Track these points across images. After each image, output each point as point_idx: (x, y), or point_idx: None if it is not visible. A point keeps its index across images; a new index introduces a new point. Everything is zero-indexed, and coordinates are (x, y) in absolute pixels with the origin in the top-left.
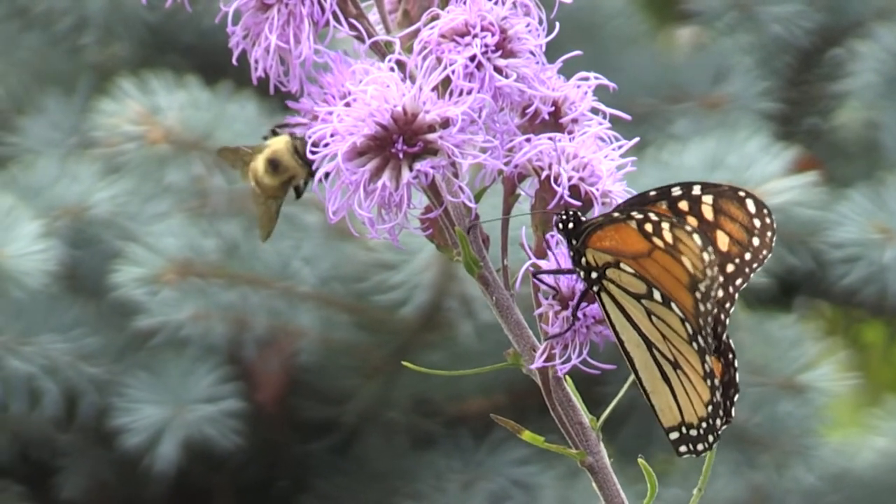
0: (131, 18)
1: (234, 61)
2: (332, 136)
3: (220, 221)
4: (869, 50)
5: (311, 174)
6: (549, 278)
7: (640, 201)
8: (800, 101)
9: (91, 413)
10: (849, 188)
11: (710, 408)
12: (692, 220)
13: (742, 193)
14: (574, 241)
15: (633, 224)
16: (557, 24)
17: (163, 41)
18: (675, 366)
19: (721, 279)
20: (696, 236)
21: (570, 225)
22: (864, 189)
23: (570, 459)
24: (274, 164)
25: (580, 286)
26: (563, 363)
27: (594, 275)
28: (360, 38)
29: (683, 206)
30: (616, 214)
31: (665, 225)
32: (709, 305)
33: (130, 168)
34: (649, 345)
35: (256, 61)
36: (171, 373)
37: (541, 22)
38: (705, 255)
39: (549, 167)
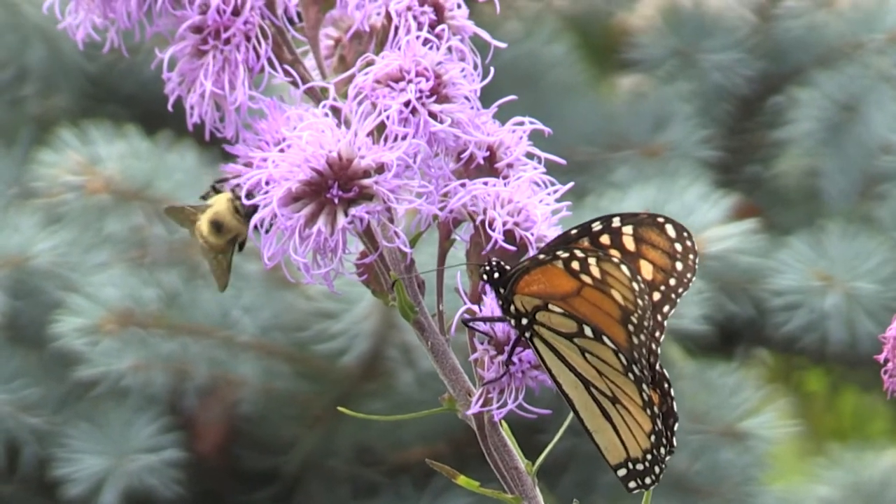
0: (71, 69)
1: (169, 107)
2: (267, 182)
3: (160, 271)
4: (809, 97)
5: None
6: (483, 324)
7: (563, 241)
8: (740, 148)
9: (32, 463)
10: (789, 235)
11: (653, 437)
12: (615, 253)
13: (661, 220)
14: (502, 290)
15: (560, 264)
16: (493, 70)
17: (103, 91)
18: (614, 400)
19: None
20: (623, 267)
21: (496, 274)
22: (805, 236)
23: None
24: (217, 226)
25: (514, 331)
26: (499, 408)
27: (524, 321)
28: (295, 84)
29: (605, 240)
30: (541, 256)
31: (592, 260)
32: (642, 336)
33: (71, 218)
34: (586, 383)
35: (192, 107)
36: (113, 423)
37: (476, 67)
38: (635, 285)
39: (484, 212)
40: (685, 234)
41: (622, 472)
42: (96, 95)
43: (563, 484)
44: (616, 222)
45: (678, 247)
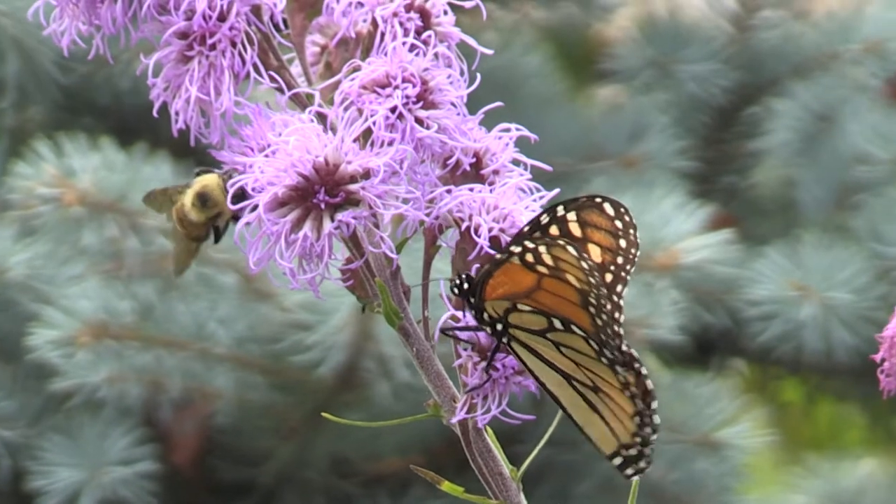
0: (46, 81)
1: (154, 113)
2: (253, 186)
3: (135, 284)
4: (785, 108)
5: (237, 217)
6: (466, 331)
7: (518, 238)
8: (716, 159)
9: (7, 476)
10: (765, 246)
11: (637, 419)
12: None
13: (598, 199)
14: (472, 300)
15: (516, 259)
16: (479, 76)
17: (78, 104)
18: (596, 389)
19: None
20: (570, 248)
21: (465, 286)
22: (781, 246)
23: None
24: (203, 199)
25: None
26: (484, 414)
27: (499, 326)
28: (280, 90)
29: (554, 230)
30: (499, 256)
31: (542, 248)
32: (604, 316)
33: (46, 231)
34: (568, 378)
35: (177, 113)
36: (87, 435)
37: (462, 73)
38: (583, 264)
39: (470, 218)
40: (622, 209)
41: (617, 460)
42: (71, 108)
43: (539, 494)
44: (560, 210)
45: (618, 224)
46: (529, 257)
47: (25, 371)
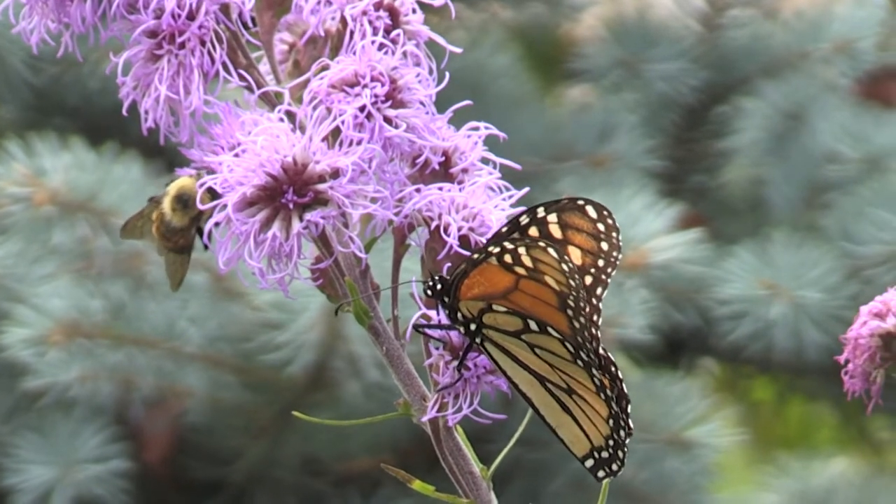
0: (17, 81)
1: (124, 112)
2: (222, 186)
3: (106, 282)
4: (755, 107)
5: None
6: (437, 329)
7: (496, 238)
8: (685, 158)
9: None
10: (735, 245)
11: (611, 422)
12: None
13: (581, 202)
14: (446, 299)
15: (493, 260)
16: (448, 74)
17: (48, 104)
18: (570, 392)
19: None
20: (551, 250)
21: (438, 286)
22: (751, 245)
23: None
24: (183, 200)
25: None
26: (455, 413)
27: (472, 326)
28: (249, 89)
29: (533, 231)
30: (476, 256)
31: (521, 249)
32: (582, 319)
33: (17, 230)
34: (541, 379)
35: (146, 112)
36: (60, 433)
37: (431, 72)
38: (564, 266)
39: (439, 217)
40: (605, 212)
41: (589, 462)
42: (41, 108)
43: (509, 493)
44: (541, 212)
45: (601, 226)
46: (508, 258)
47: None
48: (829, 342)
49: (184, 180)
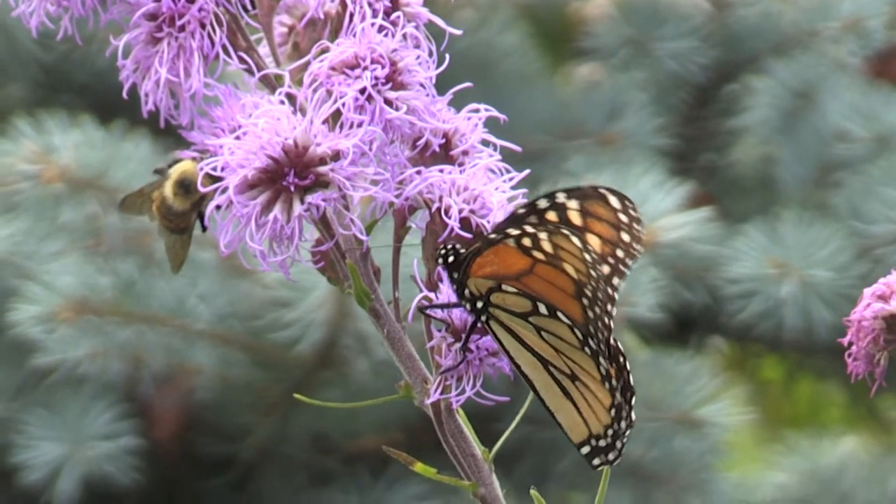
0: (26, 59)
1: (124, 95)
2: (223, 168)
3: (115, 260)
4: (764, 85)
5: None
6: (440, 311)
7: (512, 220)
8: (695, 136)
9: None
10: (744, 223)
11: (613, 412)
12: None
13: (604, 191)
14: (456, 274)
15: (511, 242)
16: (448, 57)
17: (57, 81)
18: (573, 378)
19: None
20: (574, 239)
21: (451, 258)
22: (760, 224)
23: (467, 494)
24: (185, 185)
25: (471, 317)
26: (457, 396)
27: (479, 304)
28: (249, 72)
29: (552, 216)
30: (493, 236)
31: (543, 235)
32: (597, 309)
33: (26, 207)
34: (545, 363)
35: (147, 95)
36: (70, 410)
37: (431, 54)
38: (587, 256)
39: (440, 199)
40: (628, 203)
41: (585, 449)
42: (51, 85)
43: (518, 472)
44: (561, 197)
45: (623, 217)
46: (527, 241)
47: (7, 346)
48: (838, 321)
49: (186, 164)
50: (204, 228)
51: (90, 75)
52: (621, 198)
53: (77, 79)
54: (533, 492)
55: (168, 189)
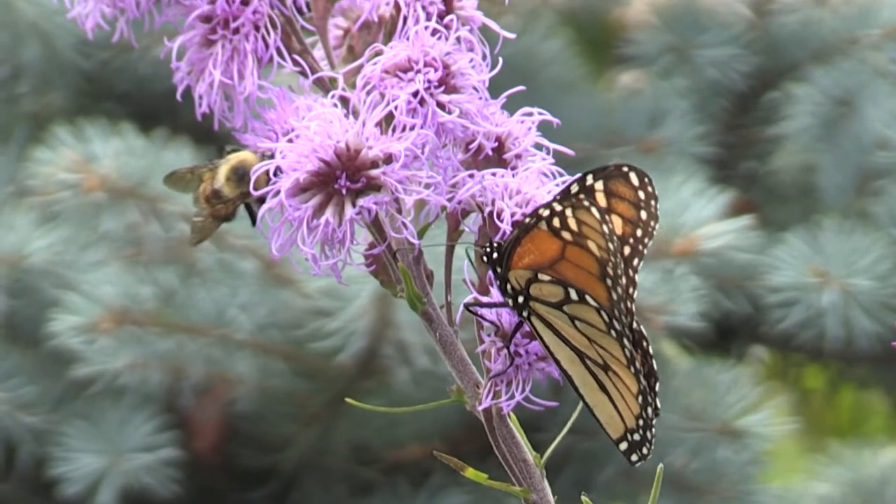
0: (67, 67)
1: (178, 97)
2: (275, 172)
3: (156, 269)
4: (805, 93)
5: (262, 200)
6: (489, 313)
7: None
8: (736, 144)
9: (29, 462)
10: (785, 232)
11: (640, 398)
12: None
13: (625, 169)
14: (498, 269)
15: (543, 225)
16: (501, 60)
17: (98, 89)
18: (605, 367)
19: (622, 262)
20: (594, 209)
21: (494, 255)
22: (801, 232)
23: (511, 502)
24: (239, 174)
25: (517, 319)
26: (508, 400)
27: (520, 298)
28: (303, 74)
29: (583, 199)
30: (527, 220)
31: (568, 211)
32: (619, 290)
33: (66, 216)
34: (581, 356)
35: (201, 97)
36: (109, 421)
37: (484, 57)
38: (605, 227)
39: (493, 203)
40: (646, 179)
41: (623, 445)
42: (91, 93)
43: (560, 482)
44: (589, 180)
45: (641, 194)
46: (556, 222)
47: (47, 357)
48: (879, 330)
49: (246, 154)
50: (253, 222)
51: (131, 83)
52: (640, 174)
53: (118, 87)
54: (584, 498)
55: (222, 172)
